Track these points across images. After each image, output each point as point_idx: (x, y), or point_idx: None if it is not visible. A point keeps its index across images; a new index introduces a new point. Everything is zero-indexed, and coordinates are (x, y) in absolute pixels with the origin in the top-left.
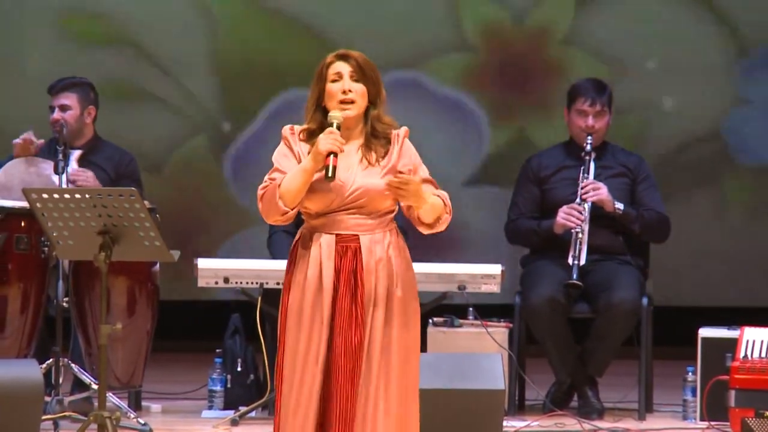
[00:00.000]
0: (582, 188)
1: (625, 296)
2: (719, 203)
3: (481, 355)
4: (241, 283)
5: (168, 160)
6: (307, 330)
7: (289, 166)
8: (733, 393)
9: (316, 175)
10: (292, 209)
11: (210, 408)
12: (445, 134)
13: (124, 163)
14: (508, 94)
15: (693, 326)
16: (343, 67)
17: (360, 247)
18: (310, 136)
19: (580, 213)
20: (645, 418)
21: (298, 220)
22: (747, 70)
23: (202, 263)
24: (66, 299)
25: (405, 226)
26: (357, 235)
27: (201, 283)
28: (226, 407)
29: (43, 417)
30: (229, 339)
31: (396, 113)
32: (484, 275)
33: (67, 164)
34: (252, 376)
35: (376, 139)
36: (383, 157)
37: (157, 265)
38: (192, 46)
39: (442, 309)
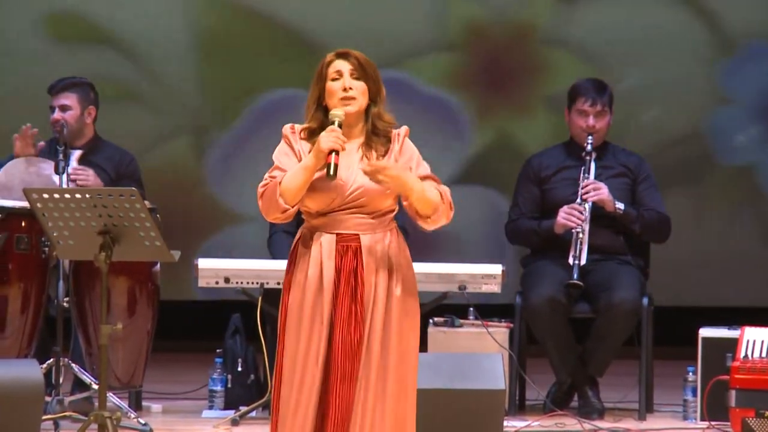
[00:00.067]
0: (582, 188)
1: (626, 296)
2: (700, 202)
3: (482, 355)
4: (241, 283)
5: (149, 160)
6: (307, 330)
7: (290, 164)
8: (733, 393)
9: (317, 174)
10: (292, 207)
11: (210, 408)
12: (428, 133)
13: (125, 163)
14: (492, 94)
15: (693, 326)
16: (344, 66)
17: (360, 247)
18: (311, 134)
19: (581, 213)
20: (645, 418)
21: (299, 220)
22: (729, 69)
23: (203, 263)
24: (66, 299)
25: (405, 225)
26: (357, 234)
27: (201, 283)
28: (226, 407)
29: (44, 417)
30: (230, 339)
31: None
32: (485, 275)
33: (67, 164)
34: (252, 376)
35: (376, 137)
36: (384, 156)
37: (158, 265)
38: (174, 46)
39: (443, 309)
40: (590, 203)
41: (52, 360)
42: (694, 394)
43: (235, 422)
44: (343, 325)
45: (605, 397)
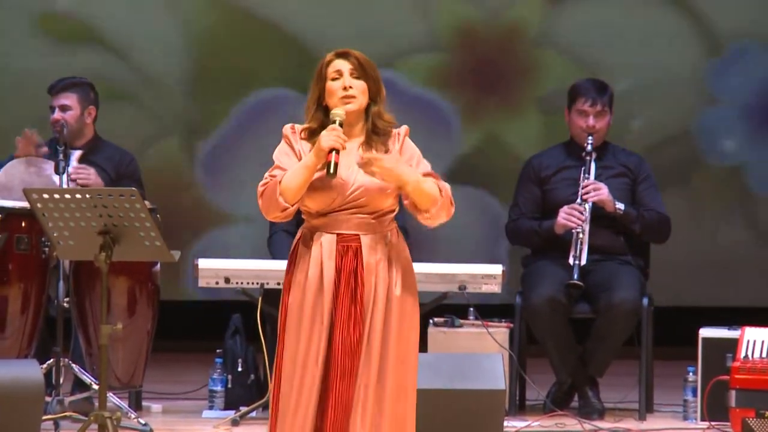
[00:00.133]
0: (583, 188)
1: (626, 296)
2: (690, 203)
3: (482, 355)
4: (241, 283)
5: (140, 160)
6: (307, 331)
7: (290, 163)
8: (733, 393)
9: (317, 174)
10: (292, 205)
11: (210, 408)
12: (417, 134)
13: (125, 163)
14: (480, 95)
15: (693, 326)
16: (343, 65)
17: (361, 247)
18: (312, 134)
19: (581, 213)
20: (645, 418)
21: (299, 220)
22: (717, 69)
23: (203, 263)
24: (66, 299)
25: (405, 225)
26: (358, 234)
27: (202, 283)
28: (226, 407)
29: (44, 417)
30: (230, 339)
31: None
32: (485, 275)
33: (67, 164)
34: (252, 376)
35: (377, 137)
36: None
37: (158, 265)
38: (164, 45)
39: (443, 309)
40: (590, 203)
41: (52, 360)
42: (695, 395)
43: (235, 422)
44: (343, 326)
45: (605, 397)
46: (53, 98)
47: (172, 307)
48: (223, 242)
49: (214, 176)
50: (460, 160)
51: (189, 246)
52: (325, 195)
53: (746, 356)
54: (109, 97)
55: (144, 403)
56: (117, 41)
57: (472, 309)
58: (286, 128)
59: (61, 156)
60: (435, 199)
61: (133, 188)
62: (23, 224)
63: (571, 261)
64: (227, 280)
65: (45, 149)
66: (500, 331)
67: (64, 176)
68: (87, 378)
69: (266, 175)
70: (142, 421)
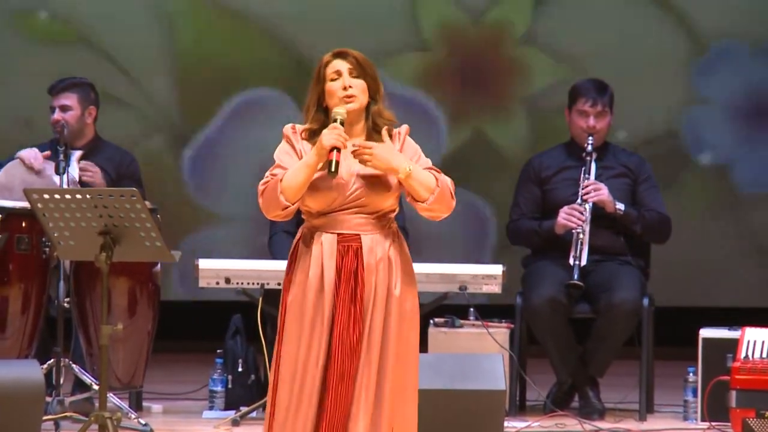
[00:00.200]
0: (583, 189)
1: (626, 297)
2: (675, 202)
3: (482, 355)
4: (242, 283)
5: None
6: (308, 330)
7: (291, 162)
8: (734, 393)
9: (318, 174)
10: (292, 204)
11: (211, 408)
12: None
13: (125, 163)
14: (466, 94)
15: (694, 327)
16: (342, 65)
17: (361, 247)
18: (312, 135)
19: (581, 213)
20: (646, 418)
21: (299, 220)
22: (703, 68)
23: (204, 263)
24: (67, 300)
25: (405, 225)
26: (358, 234)
27: (202, 283)
28: (227, 408)
29: (44, 417)
30: (230, 339)
31: None
32: (486, 275)
33: (68, 165)
34: (253, 377)
35: (378, 135)
36: None
37: (158, 265)
38: (150, 46)
39: (443, 309)
40: (591, 204)
41: (52, 360)
42: (695, 395)
43: (235, 423)
44: (343, 326)
45: (606, 397)
46: (53, 98)
47: (172, 307)
48: (209, 242)
49: (200, 176)
50: (447, 160)
51: (173, 246)
52: (326, 195)
53: (746, 357)
54: None
55: (144, 404)
56: (103, 41)
57: (472, 309)
58: (287, 128)
59: (61, 156)
60: (431, 189)
61: (134, 188)
62: (24, 224)
63: (571, 261)
64: (228, 281)
65: (48, 152)
66: (500, 331)
67: (65, 176)
68: (87, 378)
69: (267, 174)
70: (143, 422)
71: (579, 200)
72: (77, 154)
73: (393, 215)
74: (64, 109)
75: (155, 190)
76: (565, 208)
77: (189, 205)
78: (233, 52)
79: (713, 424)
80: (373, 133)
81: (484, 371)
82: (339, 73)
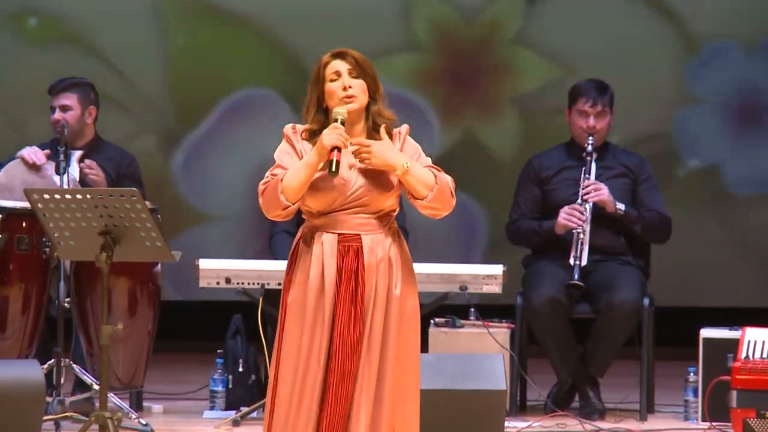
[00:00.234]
0: (583, 189)
1: (627, 296)
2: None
3: (483, 355)
4: (242, 283)
5: None
6: (309, 331)
7: (292, 162)
8: (734, 393)
9: (319, 174)
10: (293, 204)
11: (211, 408)
12: None
13: (125, 163)
14: (458, 94)
15: (694, 327)
16: (341, 66)
17: (362, 247)
18: (313, 135)
19: (582, 213)
20: (646, 418)
21: (299, 220)
22: (694, 69)
23: (204, 264)
24: (67, 300)
25: (405, 225)
26: (359, 234)
27: (203, 283)
28: (227, 408)
29: (45, 417)
30: (231, 339)
31: None
32: (486, 275)
33: (68, 165)
34: (253, 377)
35: (378, 135)
36: None
37: (159, 265)
38: (142, 46)
39: (444, 309)
40: (591, 204)
41: (53, 360)
42: (695, 395)
43: (236, 423)
44: (343, 326)
45: (606, 397)
46: (54, 98)
47: (173, 307)
48: (200, 242)
49: (191, 175)
50: (437, 161)
51: None
52: (327, 195)
53: (747, 357)
54: None
55: (145, 404)
56: (95, 42)
57: (473, 309)
58: (287, 128)
59: (61, 156)
60: (430, 186)
61: (134, 188)
62: (24, 224)
63: (571, 261)
64: (228, 281)
65: (48, 151)
66: (501, 331)
67: (65, 176)
68: (88, 378)
69: (267, 173)
70: (143, 422)
71: (579, 200)
72: (77, 154)
73: (394, 215)
74: (65, 109)
75: (147, 190)
76: (566, 208)
77: (180, 205)
78: (225, 53)
79: (714, 424)
80: (374, 132)
81: (484, 371)
82: (338, 74)
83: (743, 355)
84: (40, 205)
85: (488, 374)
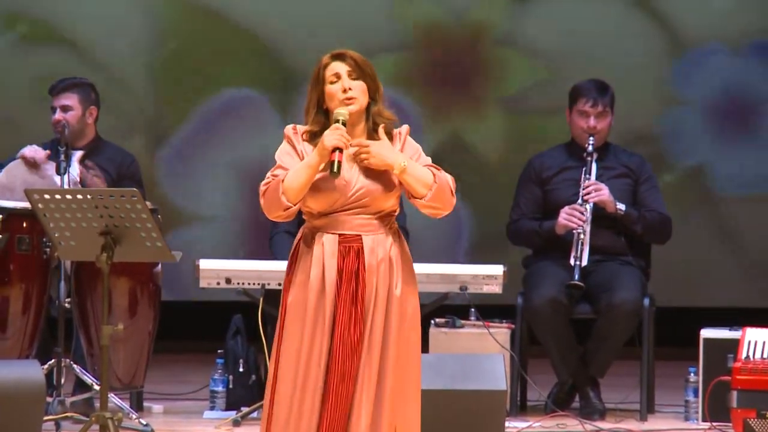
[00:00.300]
0: (584, 189)
1: (627, 297)
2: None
3: (483, 355)
4: (242, 283)
5: None
6: (309, 331)
7: (292, 163)
8: (735, 394)
9: (320, 174)
10: (294, 205)
11: (212, 408)
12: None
13: (126, 163)
14: (444, 95)
15: (695, 327)
16: (341, 67)
17: (363, 248)
18: (313, 137)
19: (582, 214)
20: (647, 418)
21: (299, 220)
22: (681, 70)
23: (204, 264)
24: (68, 300)
25: (406, 226)
26: (360, 235)
27: (203, 283)
28: (227, 408)
29: (45, 418)
30: (231, 340)
31: None
32: (486, 276)
33: (69, 165)
34: (254, 377)
35: (378, 135)
36: None
37: (159, 265)
38: (129, 46)
39: (444, 309)
40: (591, 204)
41: (53, 361)
42: (696, 395)
43: (236, 423)
44: (344, 326)
45: (606, 397)
46: (54, 99)
47: (173, 307)
48: (186, 241)
49: (177, 176)
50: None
51: None
52: (328, 195)
53: (747, 357)
54: None
55: (145, 404)
56: (80, 39)
57: (473, 309)
58: (288, 129)
59: (62, 157)
60: (428, 185)
61: (134, 189)
62: (24, 225)
63: (572, 261)
64: (228, 281)
65: (48, 152)
66: (501, 331)
67: (66, 177)
68: (88, 378)
69: (268, 174)
70: (144, 422)
71: (580, 200)
72: (78, 154)
73: (394, 216)
74: (65, 109)
75: None
76: (566, 209)
77: (164, 205)
78: (211, 53)
79: (714, 424)
80: (374, 133)
81: (485, 371)
82: (338, 76)
83: (743, 355)
84: (40, 206)
85: (489, 374)
